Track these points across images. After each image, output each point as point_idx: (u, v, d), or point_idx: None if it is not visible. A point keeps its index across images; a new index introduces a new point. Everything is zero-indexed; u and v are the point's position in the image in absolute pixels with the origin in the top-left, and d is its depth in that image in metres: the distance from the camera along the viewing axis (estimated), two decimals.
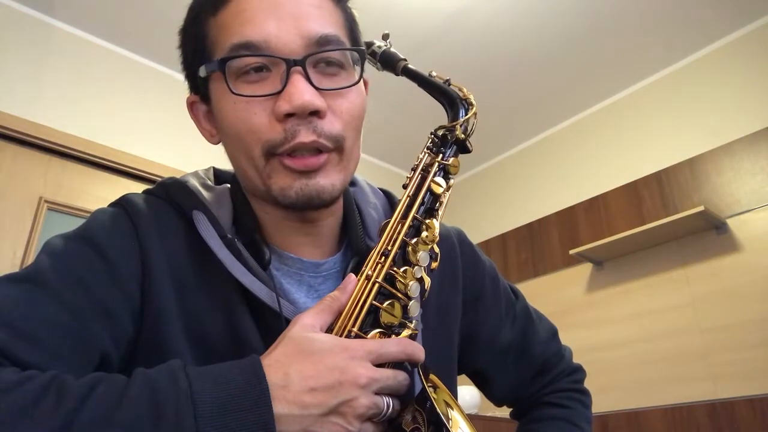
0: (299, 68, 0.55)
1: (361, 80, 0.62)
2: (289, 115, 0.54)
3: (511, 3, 2.39)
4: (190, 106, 0.65)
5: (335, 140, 0.56)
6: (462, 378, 0.82)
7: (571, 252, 2.68)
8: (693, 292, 2.36)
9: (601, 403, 2.47)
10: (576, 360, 0.84)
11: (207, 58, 0.59)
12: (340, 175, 0.58)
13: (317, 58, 0.57)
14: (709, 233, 2.37)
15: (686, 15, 2.45)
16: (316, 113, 0.55)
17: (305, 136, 0.54)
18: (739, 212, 2.31)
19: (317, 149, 0.55)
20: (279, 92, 0.55)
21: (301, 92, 0.54)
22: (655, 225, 2.36)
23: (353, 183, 0.73)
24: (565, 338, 0.84)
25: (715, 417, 2.16)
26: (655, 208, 2.58)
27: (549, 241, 3.01)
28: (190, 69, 0.63)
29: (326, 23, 0.59)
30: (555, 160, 3.14)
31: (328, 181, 0.57)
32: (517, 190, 3.30)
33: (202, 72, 0.59)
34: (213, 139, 0.64)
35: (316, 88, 0.55)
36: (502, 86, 2.86)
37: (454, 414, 0.51)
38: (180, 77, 0.66)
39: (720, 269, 2.31)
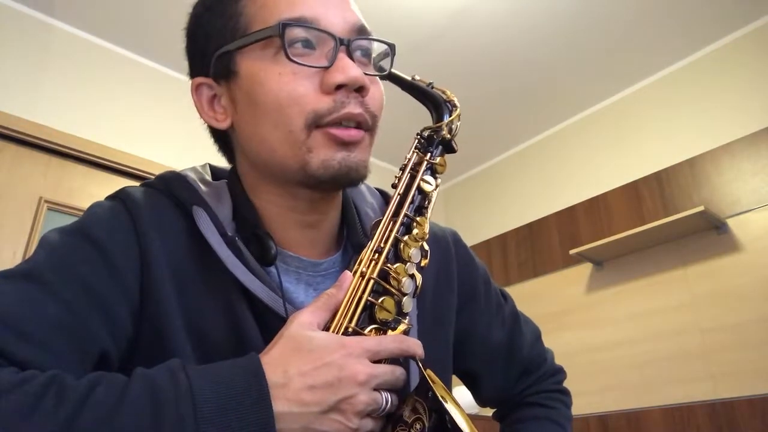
0: (345, 48, 0.57)
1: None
2: (339, 88, 0.56)
3: (511, 3, 2.39)
4: (196, 88, 0.64)
5: (374, 119, 0.59)
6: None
7: (571, 252, 2.68)
8: (693, 292, 2.36)
9: (601, 403, 2.47)
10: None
11: (240, 35, 0.59)
12: (367, 156, 0.60)
13: (359, 44, 0.60)
14: (709, 233, 2.37)
15: (686, 15, 2.45)
16: (361, 90, 0.57)
17: (354, 108, 0.57)
18: (739, 212, 2.31)
19: (357, 125, 0.58)
20: (326, 67, 0.57)
21: (353, 66, 0.56)
22: (655, 225, 2.36)
23: None
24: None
25: (715, 417, 2.16)
26: (655, 208, 2.58)
27: (549, 241, 3.00)
28: (204, 49, 0.62)
29: (360, 15, 0.62)
30: (555, 160, 3.14)
31: (362, 157, 0.58)
32: (517, 190, 3.30)
33: (234, 46, 0.58)
34: (221, 123, 0.63)
35: None
36: (502, 86, 2.85)
37: (450, 407, 0.52)
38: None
39: (720, 269, 2.30)
